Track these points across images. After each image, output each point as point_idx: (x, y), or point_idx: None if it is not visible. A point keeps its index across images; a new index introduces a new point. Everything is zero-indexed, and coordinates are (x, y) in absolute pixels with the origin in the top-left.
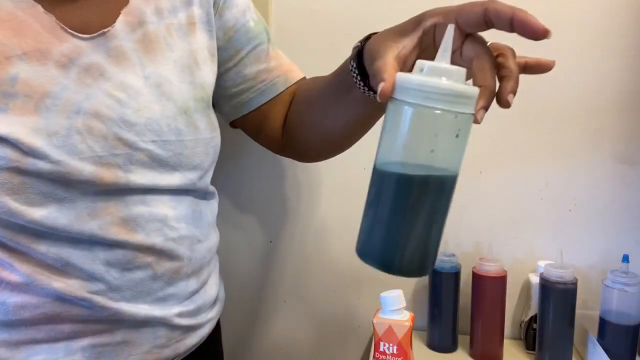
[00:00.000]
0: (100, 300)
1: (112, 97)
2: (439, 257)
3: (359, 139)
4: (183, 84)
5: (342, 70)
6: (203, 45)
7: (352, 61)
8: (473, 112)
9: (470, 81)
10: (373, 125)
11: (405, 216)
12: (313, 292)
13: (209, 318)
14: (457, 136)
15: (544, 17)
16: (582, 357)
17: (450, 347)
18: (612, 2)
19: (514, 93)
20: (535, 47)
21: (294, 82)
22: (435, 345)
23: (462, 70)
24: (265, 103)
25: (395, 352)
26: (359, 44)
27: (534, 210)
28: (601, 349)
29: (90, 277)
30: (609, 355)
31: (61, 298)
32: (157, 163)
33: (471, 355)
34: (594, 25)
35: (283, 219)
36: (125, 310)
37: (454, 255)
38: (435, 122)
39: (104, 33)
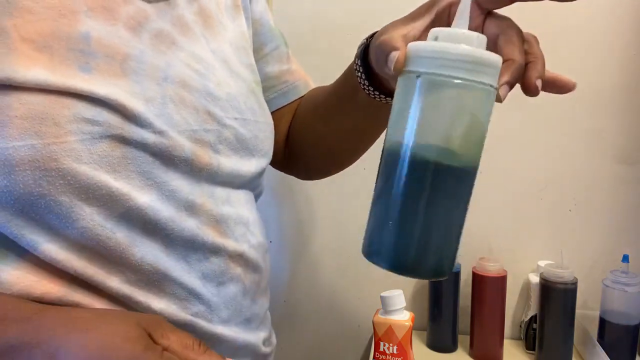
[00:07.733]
0: (202, 324)
1: (190, 67)
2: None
3: (361, 153)
4: (242, 65)
5: (347, 72)
6: (246, 30)
7: (357, 59)
8: (495, 84)
9: None
10: (376, 138)
11: (415, 206)
12: (313, 292)
13: (274, 346)
14: (475, 112)
15: (543, 17)
16: (582, 357)
17: (450, 347)
18: (612, 2)
19: (542, 78)
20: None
21: (311, 88)
22: (435, 345)
23: (483, 37)
24: (282, 107)
25: (395, 352)
26: (365, 40)
27: (534, 210)
28: (601, 349)
29: (189, 293)
30: (609, 355)
31: None
32: (240, 144)
33: (471, 355)
34: (594, 25)
35: (282, 219)
36: (226, 335)
37: None
38: (451, 93)
39: None
